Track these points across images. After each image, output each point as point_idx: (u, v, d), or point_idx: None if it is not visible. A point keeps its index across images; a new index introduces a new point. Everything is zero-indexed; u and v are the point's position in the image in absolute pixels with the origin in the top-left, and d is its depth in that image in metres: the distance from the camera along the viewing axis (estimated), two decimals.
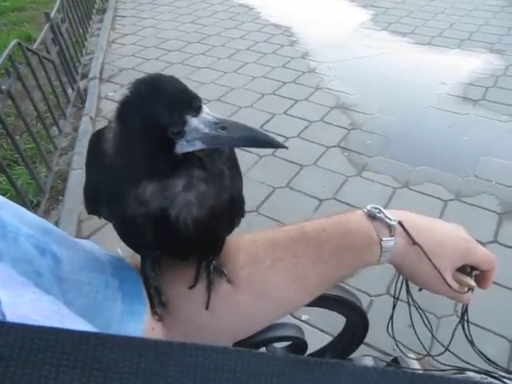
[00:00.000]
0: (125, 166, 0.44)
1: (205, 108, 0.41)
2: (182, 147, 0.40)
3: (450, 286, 0.55)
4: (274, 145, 0.39)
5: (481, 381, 0.66)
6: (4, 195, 0.43)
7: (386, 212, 0.54)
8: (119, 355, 0.19)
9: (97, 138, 0.47)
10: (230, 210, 0.51)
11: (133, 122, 0.41)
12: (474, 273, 0.59)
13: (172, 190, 0.44)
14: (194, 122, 0.40)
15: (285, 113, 3.35)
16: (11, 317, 0.26)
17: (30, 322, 0.27)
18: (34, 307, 0.30)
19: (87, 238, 2.27)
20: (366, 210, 0.55)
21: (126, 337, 0.20)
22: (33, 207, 2.42)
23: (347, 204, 2.44)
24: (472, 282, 0.58)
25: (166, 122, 0.39)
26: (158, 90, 0.40)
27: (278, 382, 0.20)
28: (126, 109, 0.41)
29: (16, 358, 0.18)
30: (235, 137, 0.40)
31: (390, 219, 0.53)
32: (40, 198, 2.50)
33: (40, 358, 0.18)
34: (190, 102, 0.40)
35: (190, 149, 0.41)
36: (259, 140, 0.40)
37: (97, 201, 0.49)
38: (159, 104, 0.39)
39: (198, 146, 0.40)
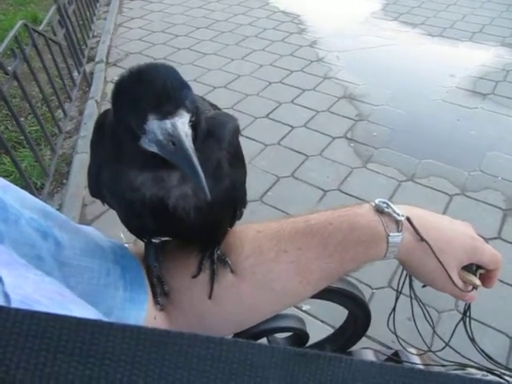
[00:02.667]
0: (116, 150, 0.43)
1: (182, 116, 0.38)
2: (145, 144, 0.39)
3: (455, 284, 0.54)
4: (198, 185, 0.37)
5: (482, 378, 0.66)
6: (8, 177, 0.43)
7: (394, 207, 0.53)
8: (116, 343, 0.19)
9: (102, 118, 0.47)
10: (232, 199, 0.51)
11: (113, 105, 0.40)
12: (479, 271, 0.58)
13: (167, 181, 0.43)
14: (153, 124, 0.38)
15: (292, 102, 3.32)
16: (15, 298, 0.26)
17: (34, 303, 0.27)
18: (38, 288, 0.30)
19: (91, 222, 2.28)
20: (373, 204, 0.55)
21: (123, 325, 0.20)
22: (37, 189, 2.43)
23: (351, 195, 2.43)
24: (477, 281, 0.57)
25: (129, 113, 0.38)
26: (141, 80, 0.38)
27: (275, 373, 0.20)
28: (112, 91, 0.41)
29: (13, 345, 0.18)
30: (175, 157, 0.38)
31: (398, 214, 0.52)
32: (44, 181, 2.51)
33: (37, 345, 0.18)
34: (163, 103, 0.37)
35: (150, 149, 0.39)
36: (189, 172, 0.37)
37: (99, 182, 0.49)
38: (132, 94, 0.38)
39: (154, 149, 0.39)
